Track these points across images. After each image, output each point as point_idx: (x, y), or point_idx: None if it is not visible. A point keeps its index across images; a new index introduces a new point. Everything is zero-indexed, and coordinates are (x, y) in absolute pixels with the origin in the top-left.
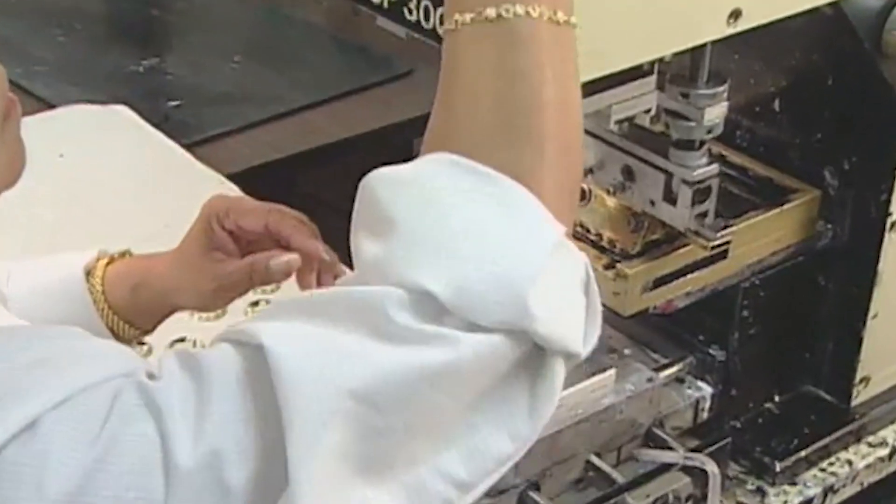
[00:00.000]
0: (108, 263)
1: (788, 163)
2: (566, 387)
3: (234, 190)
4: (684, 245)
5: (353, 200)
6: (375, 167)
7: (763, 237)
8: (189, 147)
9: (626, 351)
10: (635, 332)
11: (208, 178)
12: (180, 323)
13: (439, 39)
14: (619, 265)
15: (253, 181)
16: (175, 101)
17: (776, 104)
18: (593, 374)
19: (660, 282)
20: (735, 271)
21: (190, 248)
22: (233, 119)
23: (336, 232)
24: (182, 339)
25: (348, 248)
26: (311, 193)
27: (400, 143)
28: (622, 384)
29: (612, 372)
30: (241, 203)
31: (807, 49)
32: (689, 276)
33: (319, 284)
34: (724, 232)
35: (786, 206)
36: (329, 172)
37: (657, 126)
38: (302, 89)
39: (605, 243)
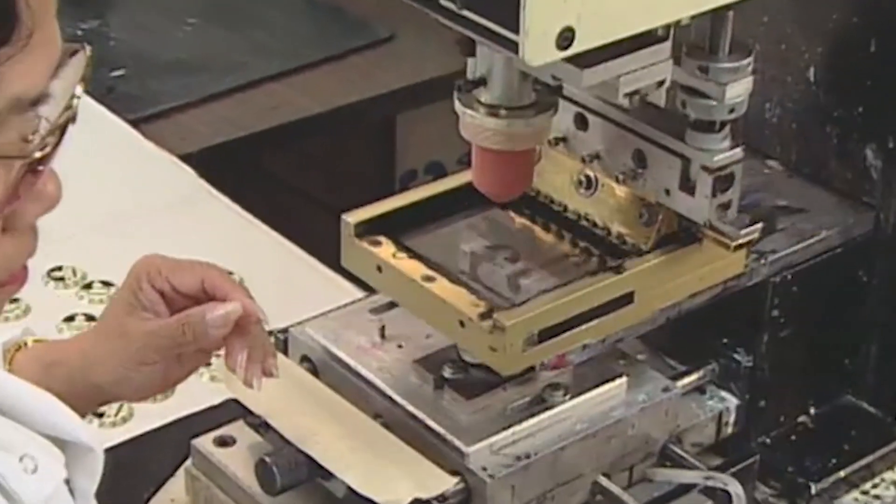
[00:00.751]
0: (16, 350)
1: (825, 141)
2: (572, 397)
3: (187, 172)
4: (581, 289)
5: (326, 185)
6: (352, 147)
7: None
8: (136, 123)
9: (640, 356)
10: (649, 334)
11: (158, 159)
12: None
13: (425, 1)
14: (496, 315)
15: (210, 163)
16: (119, 70)
17: (811, 74)
18: (601, 382)
19: (548, 334)
20: (644, 318)
21: (115, 312)
22: (187, 91)
23: (306, 221)
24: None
25: (323, 237)
26: (277, 177)
27: (380, 120)
28: (634, 394)
29: (622, 380)
30: (174, 262)
31: (846, 10)
32: (585, 325)
33: (249, 360)
34: (748, 230)
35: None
36: (298, 153)
37: (674, 105)
38: (267, 57)
39: (613, 238)
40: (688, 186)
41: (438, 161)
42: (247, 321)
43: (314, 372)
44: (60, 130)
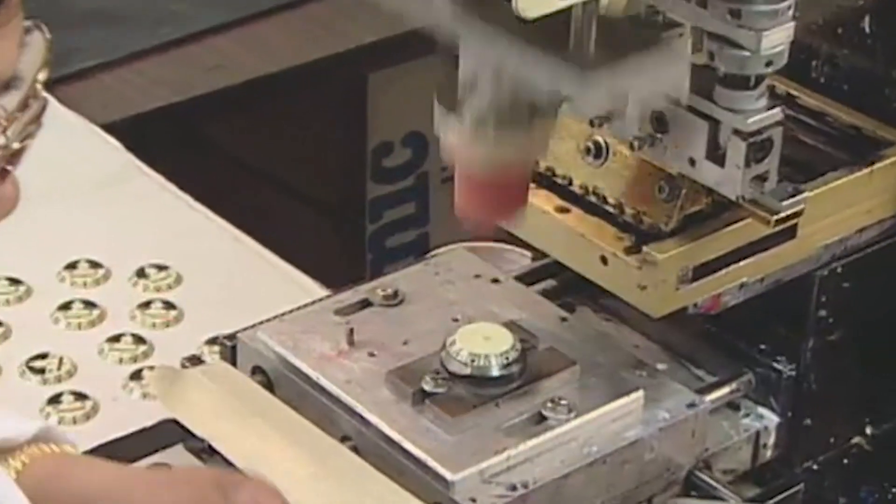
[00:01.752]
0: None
1: (882, 105)
2: (577, 414)
3: (112, 145)
4: (737, 220)
5: (282, 161)
6: (313, 115)
7: (846, 208)
8: (48, 87)
9: (660, 366)
10: (672, 339)
11: (76, 129)
12: (41, 331)
13: None
14: (646, 248)
15: (139, 133)
16: (26, 21)
17: (866, 23)
18: (614, 396)
19: (703, 270)
20: (808, 255)
21: None
22: (109, 47)
23: (258, 203)
24: (43, 356)
25: (278, 223)
26: (222, 151)
27: (347, 81)
28: (653, 411)
29: (639, 394)
30: None
31: None
32: (743, 262)
33: None
34: (791, 201)
35: (878, 166)
36: (247, 122)
37: (699, 57)
38: (208, 4)
39: (627, 217)
40: (716, 155)
41: (419, 132)
42: None
43: (268, 385)
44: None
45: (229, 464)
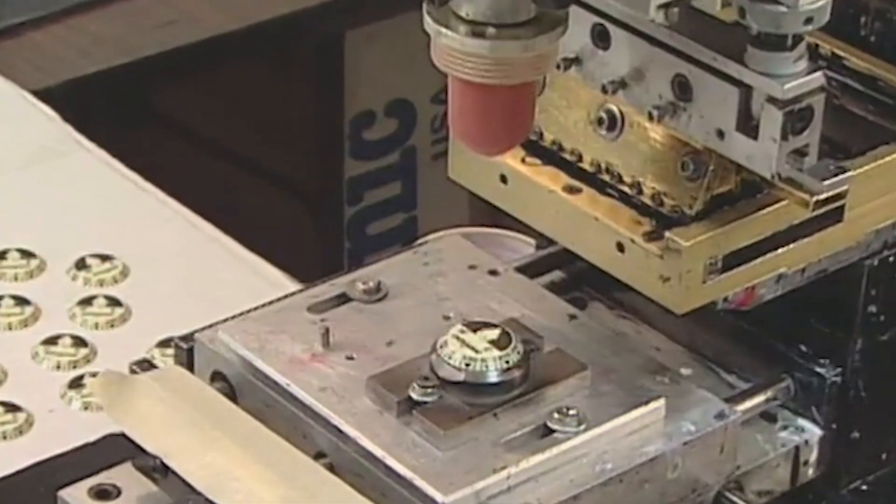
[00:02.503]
0: None
1: None
2: (589, 426)
3: (47, 114)
4: (773, 202)
5: (246, 133)
6: (281, 79)
7: None
8: None
9: (684, 370)
10: (698, 340)
11: (4, 96)
12: None
13: None
14: (668, 233)
15: (79, 101)
16: None
17: None
18: (631, 406)
19: (735, 259)
20: (856, 242)
21: None
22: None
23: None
24: None
25: (242, 205)
26: (175, 121)
27: (321, 41)
28: (677, 423)
29: (660, 404)
30: None
31: None
32: (781, 249)
33: None
34: (834, 180)
35: None
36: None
37: (728, 13)
38: None
39: (646, 198)
40: (749, 126)
41: (405, 99)
42: None
43: (230, 394)
44: None
45: (186, 485)
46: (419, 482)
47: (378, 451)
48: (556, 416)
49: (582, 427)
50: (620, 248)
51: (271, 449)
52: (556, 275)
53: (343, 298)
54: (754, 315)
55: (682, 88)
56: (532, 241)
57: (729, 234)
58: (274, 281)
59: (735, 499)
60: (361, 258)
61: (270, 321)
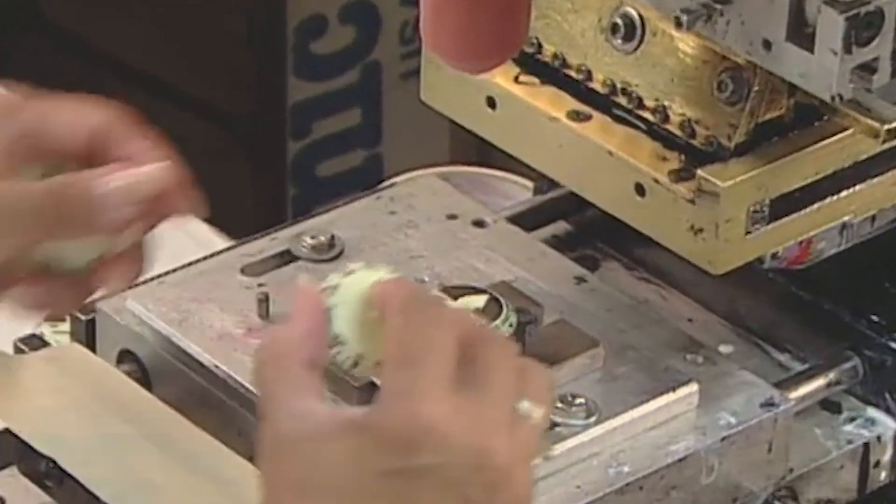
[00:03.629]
0: None
1: None
2: (601, 418)
3: None
4: (833, 131)
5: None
6: None
7: None
8: None
9: (723, 347)
10: (741, 307)
11: None
12: None
13: None
14: (701, 172)
15: None
16: None
17: None
18: (655, 393)
19: (786, 205)
20: None
21: None
22: None
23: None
24: None
25: None
26: (67, 34)
27: None
28: (714, 413)
29: (691, 390)
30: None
31: None
32: (844, 192)
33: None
34: None
35: None
36: None
37: None
38: None
39: (673, 127)
40: (802, 35)
41: (366, 1)
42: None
43: (143, 379)
44: None
45: (87, 494)
46: None
47: None
48: (559, 405)
49: (592, 419)
50: (640, 190)
51: (196, 449)
52: (560, 226)
53: (287, 257)
54: (811, 276)
55: None
56: (529, 183)
57: (778, 173)
58: (198, 235)
59: None
60: (310, 207)
61: (194, 286)
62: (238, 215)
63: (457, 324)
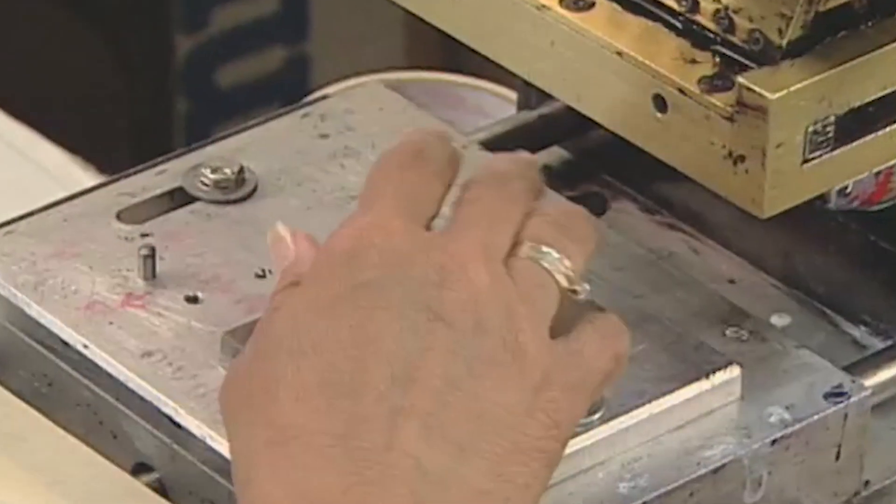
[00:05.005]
0: None
1: None
2: (610, 414)
3: None
4: None
5: None
6: None
7: None
8: None
9: (775, 317)
10: (799, 263)
11: None
12: None
13: None
14: (742, 79)
15: None
16: None
17: None
18: (683, 380)
19: (857, 124)
20: None
21: None
22: None
23: None
24: None
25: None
26: None
27: None
28: (762, 406)
29: (732, 374)
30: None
31: None
32: None
33: None
34: None
35: None
36: None
37: None
38: None
39: (704, 18)
40: None
41: None
42: None
43: None
44: None
45: None
46: None
47: None
48: None
49: (596, 416)
50: (661, 104)
51: (56, 457)
52: (554, 154)
53: (179, 198)
54: (893, 220)
55: None
56: (511, 94)
57: (847, 81)
58: (55, 169)
59: None
60: (208, 128)
61: (53, 238)
62: (110, 140)
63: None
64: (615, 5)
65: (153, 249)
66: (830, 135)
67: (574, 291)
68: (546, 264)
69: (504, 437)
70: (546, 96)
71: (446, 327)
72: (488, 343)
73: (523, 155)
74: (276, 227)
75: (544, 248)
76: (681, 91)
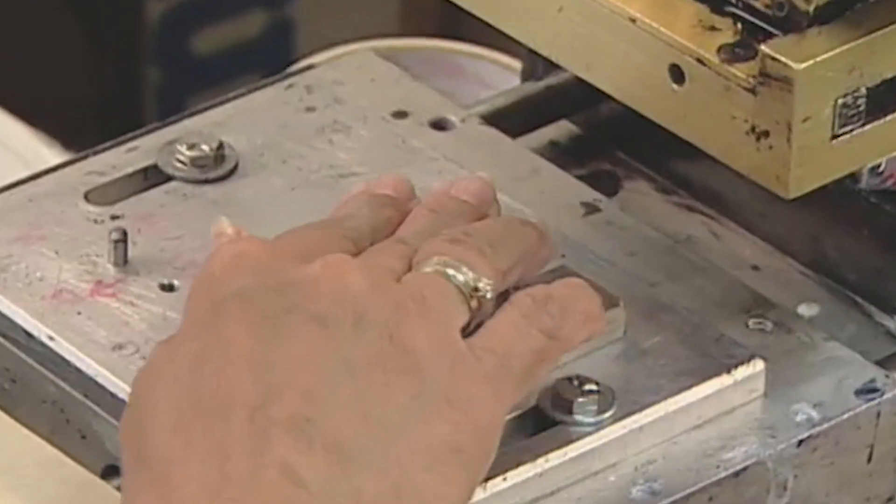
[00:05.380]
0: None
1: None
2: (620, 413)
3: None
4: None
5: None
6: None
7: None
8: None
9: (803, 308)
10: (829, 248)
11: None
12: None
13: None
14: (765, 48)
15: None
16: None
17: None
18: (701, 375)
19: (888, 97)
20: None
21: None
22: None
23: None
24: None
25: None
26: None
27: None
28: (788, 404)
29: (755, 369)
30: None
31: None
32: None
33: None
34: None
35: None
36: None
37: None
38: None
39: None
40: None
41: None
42: None
43: None
44: None
45: None
46: None
47: None
48: (560, 394)
49: (607, 415)
50: (678, 75)
51: (19, 458)
52: (562, 128)
53: (153, 176)
54: None
55: None
56: (515, 63)
57: (879, 50)
58: (17, 145)
59: None
60: (184, 100)
61: (15, 220)
62: (76, 114)
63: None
64: None
65: (125, 233)
66: (861, 108)
67: (476, 290)
68: (444, 270)
69: (397, 439)
70: (553, 66)
71: (320, 328)
72: (370, 340)
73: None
74: (221, 221)
75: (436, 259)
76: (699, 61)
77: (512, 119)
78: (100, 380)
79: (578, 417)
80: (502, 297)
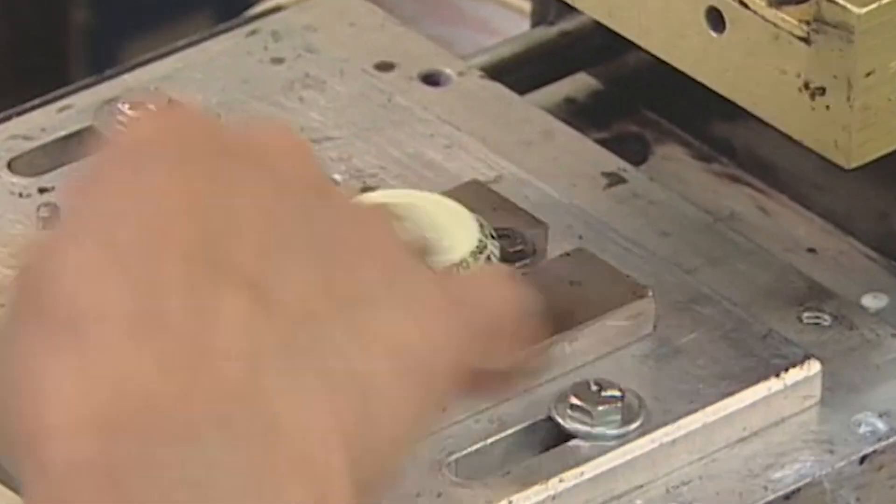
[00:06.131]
0: None
1: None
2: (650, 423)
3: None
4: None
5: None
6: None
7: None
8: None
9: (869, 298)
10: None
11: None
12: None
13: None
14: (825, 2)
15: None
16: None
17: None
18: (745, 380)
19: None
20: None
21: None
22: None
23: None
24: None
25: None
26: None
27: None
28: (848, 414)
29: (810, 372)
30: None
31: None
32: None
33: None
34: None
35: None
36: None
37: None
38: None
39: None
40: None
41: None
42: None
43: None
44: None
45: None
46: None
47: None
48: (576, 401)
49: (634, 426)
50: (717, 20)
51: None
52: (580, 82)
53: (88, 141)
54: None
55: None
56: (524, 4)
57: None
58: None
59: None
60: (122, 49)
61: None
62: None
63: None
64: None
65: (56, 209)
66: None
67: None
68: None
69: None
70: (568, 8)
71: (275, 189)
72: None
73: None
74: None
75: None
76: (742, 3)
77: (520, 72)
78: None
79: (598, 430)
80: None
